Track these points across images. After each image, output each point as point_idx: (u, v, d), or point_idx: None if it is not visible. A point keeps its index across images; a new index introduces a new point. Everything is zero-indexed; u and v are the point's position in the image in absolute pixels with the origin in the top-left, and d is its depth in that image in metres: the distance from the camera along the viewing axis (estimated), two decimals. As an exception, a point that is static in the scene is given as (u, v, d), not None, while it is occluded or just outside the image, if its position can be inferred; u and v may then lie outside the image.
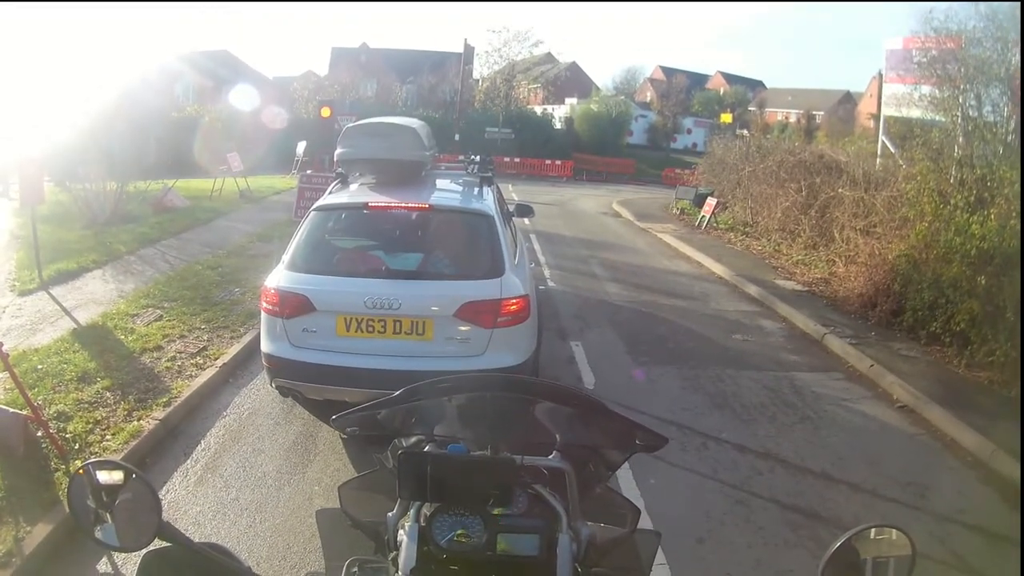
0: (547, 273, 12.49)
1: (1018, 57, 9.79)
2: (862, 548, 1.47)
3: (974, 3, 10.20)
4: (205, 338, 7.78)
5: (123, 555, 3.80)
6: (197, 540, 1.51)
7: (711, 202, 19.31)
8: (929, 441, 6.72)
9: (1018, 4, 9.50)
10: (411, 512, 1.70)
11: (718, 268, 13.92)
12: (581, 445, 1.90)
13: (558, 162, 36.48)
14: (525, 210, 9.16)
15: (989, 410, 7.10)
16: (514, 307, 5.38)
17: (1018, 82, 9.74)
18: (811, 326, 9.93)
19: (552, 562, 1.61)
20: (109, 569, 4.05)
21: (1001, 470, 6.03)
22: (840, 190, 13.83)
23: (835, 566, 1.43)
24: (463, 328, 5.31)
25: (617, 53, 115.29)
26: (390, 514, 1.76)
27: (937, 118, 11.27)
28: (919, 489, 5.70)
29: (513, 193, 22.69)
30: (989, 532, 5.16)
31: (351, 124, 7.47)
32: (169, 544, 1.45)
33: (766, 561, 4.58)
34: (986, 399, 7.48)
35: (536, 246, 14.69)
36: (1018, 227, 8.09)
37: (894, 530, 1.49)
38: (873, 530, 1.49)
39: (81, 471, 1.45)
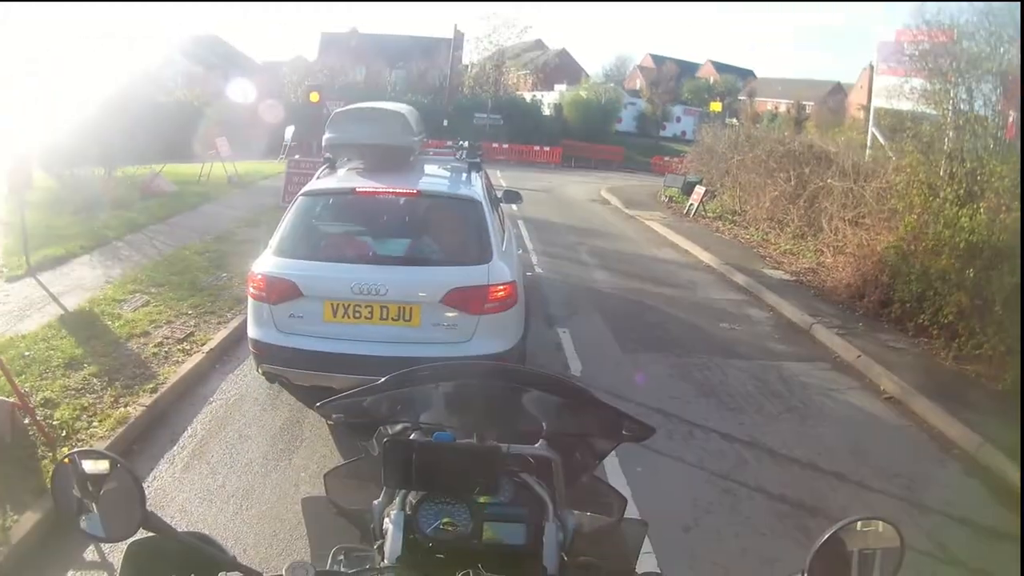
0: (535, 260, 12.46)
1: (1014, 52, 9.71)
2: (849, 540, 1.45)
3: (969, 1, 10.13)
4: (192, 324, 7.74)
5: (109, 544, 3.76)
6: (183, 528, 1.51)
7: (699, 190, 19.26)
8: (916, 433, 6.74)
9: (1018, 4, 9.46)
10: (397, 500, 1.69)
11: (706, 256, 13.93)
12: (568, 434, 1.89)
13: (547, 148, 36.23)
14: (513, 196, 9.09)
15: (977, 403, 7.08)
16: (501, 293, 5.35)
17: (1012, 78, 9.71)
18: (798, 315, 9.95)
19: (538, 551, 1.61)
20: (96, 558, 4.04)
21: (988, 463, 6.02)
22: (829, 180, 13.88)
23: (822, 558, 1.42)
24: (450, 314, 5.27)
25: (607, 41, 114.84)
26: (376, 502, 1.75)
27: (928, 111, 11.22)
28: (906, 481, 5.69)
29: (501, 179, 22.43)
30: (976, 525, 5.15)
31: (339, 109, 7.42)
32: (154, 534, 1.45)
33: (753, 550, 4.58)
34: (974, 392, 7.47)
35: (524, 233, 14.64)
36: (1007, 221, 8.09)
37: (881, 522, 1.47)
38: (860, 522, 1.47)
39: (66, 460, 1.43)
